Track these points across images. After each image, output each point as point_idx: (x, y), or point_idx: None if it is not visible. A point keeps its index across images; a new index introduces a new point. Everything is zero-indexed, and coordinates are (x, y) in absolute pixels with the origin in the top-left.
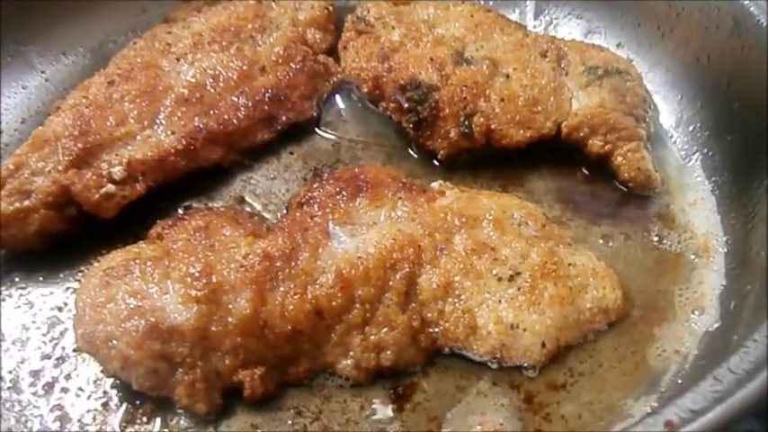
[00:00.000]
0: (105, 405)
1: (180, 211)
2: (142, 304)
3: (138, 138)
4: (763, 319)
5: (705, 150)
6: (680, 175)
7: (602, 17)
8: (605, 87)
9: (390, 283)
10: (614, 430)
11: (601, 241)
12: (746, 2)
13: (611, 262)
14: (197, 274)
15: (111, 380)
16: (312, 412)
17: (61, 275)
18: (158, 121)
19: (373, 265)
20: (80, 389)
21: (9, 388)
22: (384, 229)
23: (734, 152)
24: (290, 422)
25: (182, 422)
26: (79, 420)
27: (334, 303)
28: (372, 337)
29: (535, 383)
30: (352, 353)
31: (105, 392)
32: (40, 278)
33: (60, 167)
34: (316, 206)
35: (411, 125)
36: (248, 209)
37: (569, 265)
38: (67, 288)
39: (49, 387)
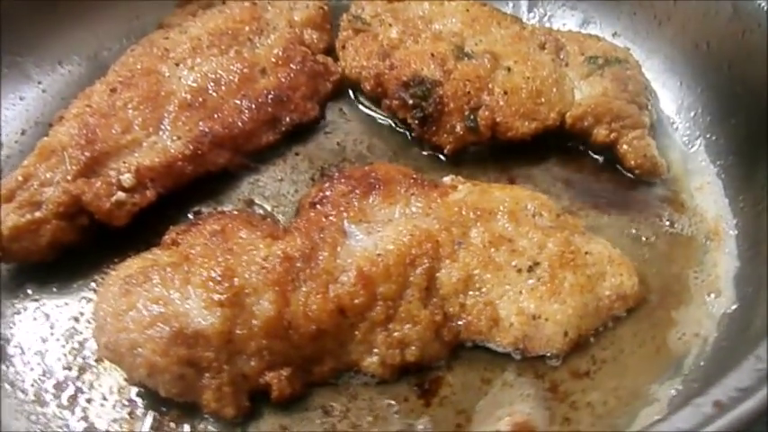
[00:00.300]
0: (131, 413)
1: (190, 217)
2: (165, 310)
3: (145, 144)
4: None
5: (708, 135)
6: (685, 161)
7: (597, 7)
8: (607, 76)
9: (411, 278)
10: (642, 414)
11: (612, 229)
12: None
13: (624, 248)
14: (218, 278)
15: (136, 388)
16: (340, 411)
17: (75, 286)
18: (163, 127)
19: (393, 261)
20: (104, 398)
21: (33, 401)
22: (400, 226)
23: (738, 136)
24: (318, 421)
25: (209, 427)
26: (106, 430)
27: (356, 301)
28: (396, 333)
29: (559, 372)
30: (376, 350)
31: (130, 401)
32: (54, 289)
33: (69, 177)
34: (329, 205)
35: (416, 121)
36: (260, 211)
37: (586, 253)
38: (82, 298)
39: (73, 398)
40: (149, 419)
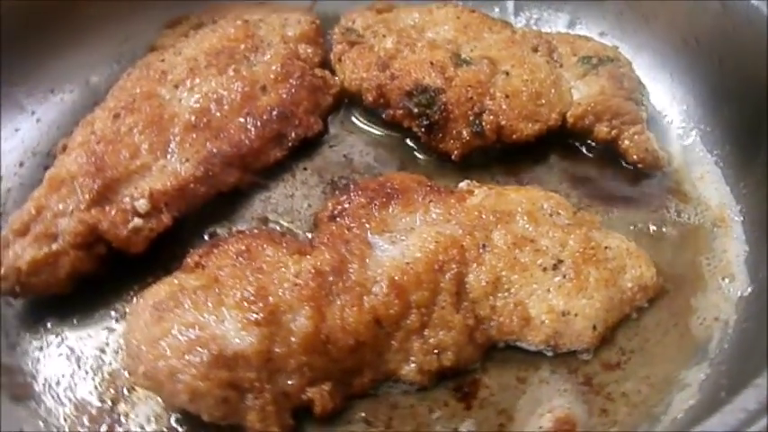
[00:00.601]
0: None
1: (206, 239)
2: (201, 334)
3: (154, 168)
4: None
5: (702, 126)
6: (682, 153)
7: (582, 8)
8: (602, 75)
9: (441, 284)
10: (677, 399)
11: (622, 223)
12: None
13: (636, 241)
14: (252, 298)
15: (174, 415)
16: (382, 421)
17: (96, 316)
18: (170, 150)
19: (423, 269)
20: (142, 428)
21: None
22: (424, 233)
23: (732, 125)
24: None
25: None
26: None
27: (391, 311)
28: (431, 339)
29: (591, 366)
30: (413, 357)
31: (170, 428)
32: (74, 321)
33: (82, 206)
34: (348, 218)
35: (422, 129)
36: (276, 227)
37: (606, 248)
38: (105, 328)
39: (110, 431)
40: None
